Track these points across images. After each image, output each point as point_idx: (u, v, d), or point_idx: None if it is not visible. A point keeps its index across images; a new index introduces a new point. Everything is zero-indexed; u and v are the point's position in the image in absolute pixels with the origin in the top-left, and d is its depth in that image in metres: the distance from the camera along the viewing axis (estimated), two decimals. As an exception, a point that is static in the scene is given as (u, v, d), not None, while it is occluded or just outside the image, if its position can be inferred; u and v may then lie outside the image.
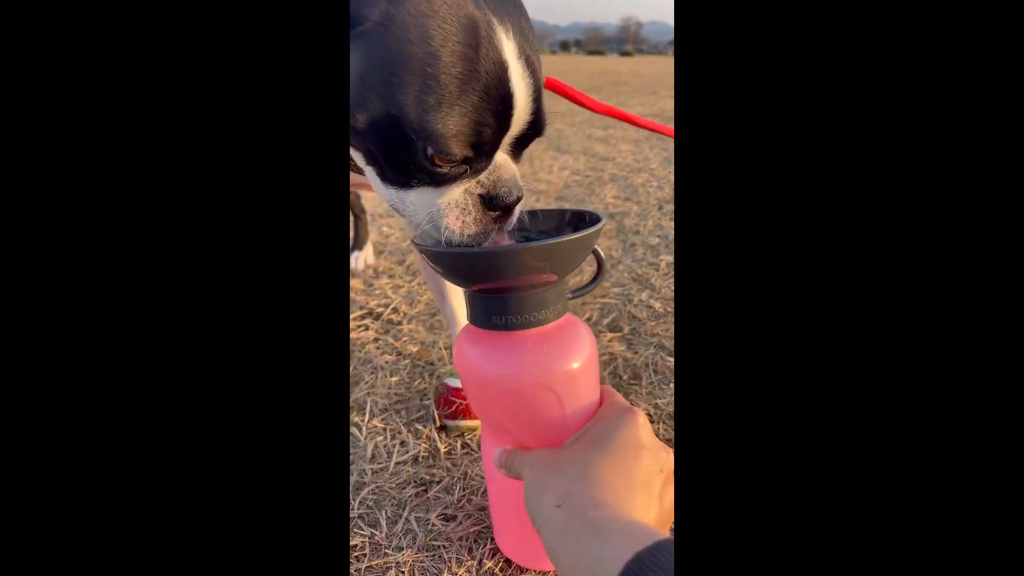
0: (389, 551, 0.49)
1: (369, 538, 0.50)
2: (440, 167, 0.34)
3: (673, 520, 0.37)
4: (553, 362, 0.38)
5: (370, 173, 0.38)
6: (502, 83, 0.33)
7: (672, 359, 0.78)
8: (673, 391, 0.71)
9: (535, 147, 2.35)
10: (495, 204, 0.36)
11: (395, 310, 0.94)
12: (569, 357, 0.38)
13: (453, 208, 0.36)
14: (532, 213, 0.44)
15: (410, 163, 0.34)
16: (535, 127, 0.36)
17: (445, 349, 0.81)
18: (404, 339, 0.84)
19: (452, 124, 0.32)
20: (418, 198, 0.36)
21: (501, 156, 0.37)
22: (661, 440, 0.40)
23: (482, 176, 0.36)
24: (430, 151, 0.33)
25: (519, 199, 0.37)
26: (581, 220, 0.43)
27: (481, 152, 0.35)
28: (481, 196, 0.36)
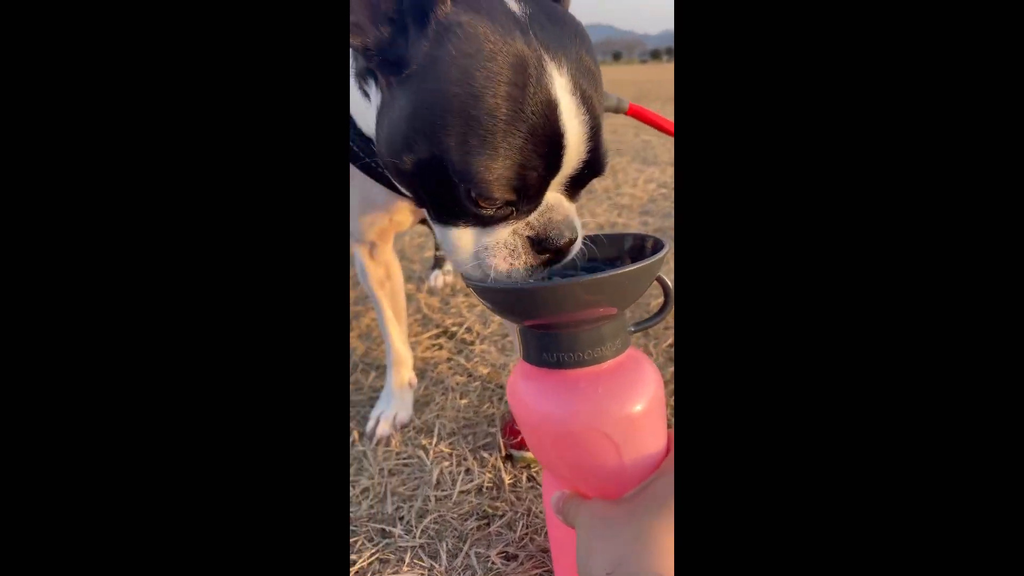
0: (447, 587, 0.47)
1: (428, 570, 0.49)
2: (484, 209, 0.33)
3: None
4: (610, 405, 0.34)
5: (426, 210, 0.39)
6: (551, 123, 0.31)
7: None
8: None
9: (618, 159, 2.28)
10: (545, 247, 0.35)
11: (469, 330, 0.94)
12: (629, 400, 0.34)
13: (501, 249, 0.35)
14: (594, 239, 0.41)
15: (455, 204, 0.34)
16: (592, 167, 0.34)
17: (516, 372, 0.80)
18: (476, 360, 0.84)
19: (495, 167, 0.31)
20: (465, 238, 0.36)
21: (554, 196, 0.35)
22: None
23: (532, 217, 0.35)
24: (473, 193, 0.32)
25: (571, 241, 0.35)
26: (645, 246, 0.39)
27: (527, 194, 0.33)
28: (530, 238, 0.35)
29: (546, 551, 0.50)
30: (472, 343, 0.89)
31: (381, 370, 0.82)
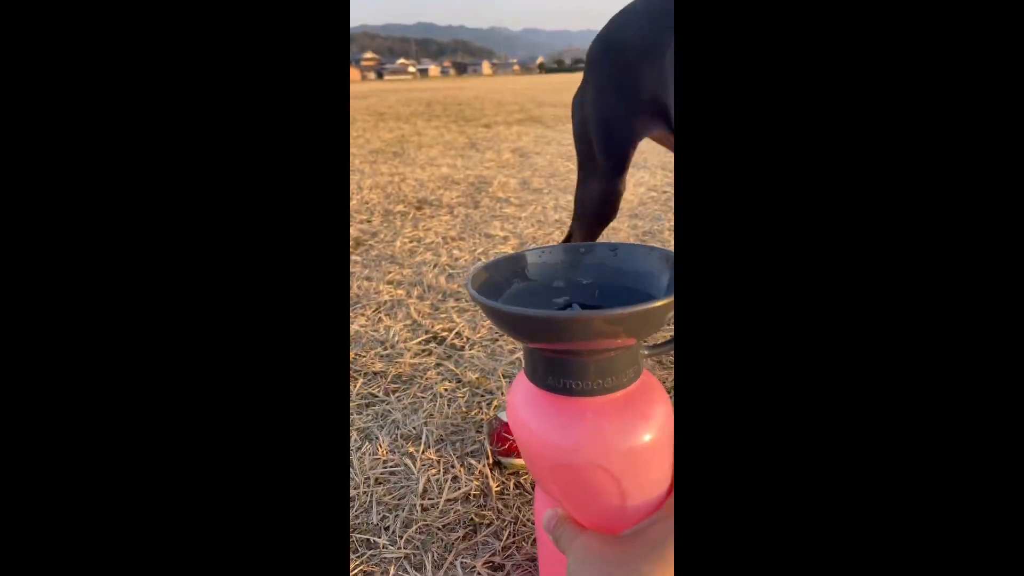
0: (432, 599, 0.46)
1: (413, 581, 0.48)
2: None
3: None
4: (616, 440, 0.32)
5: None
6: None
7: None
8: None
9: (610, 164, 2.29)
10: None
11: (458, 335, 0.93)
12: (637, 432, 0.32)
13: None
14: (612, 247, 0.39)
15: None
16: None
17: (504, 378, 0.79)
18: (465, 365, 0.83)
19: None
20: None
21: None
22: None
23: None
24: None
25: None
26: (664, 263, 0.36)
27: None
28: None
29: (533, 560, 0.49)
30: (462, 348, 0.89)
31: (369, 376, 0.81)
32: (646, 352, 0.36)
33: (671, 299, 0.29)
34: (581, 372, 0.31)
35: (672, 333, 0.40)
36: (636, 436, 0.32)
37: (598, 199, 0.79)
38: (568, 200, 1.77)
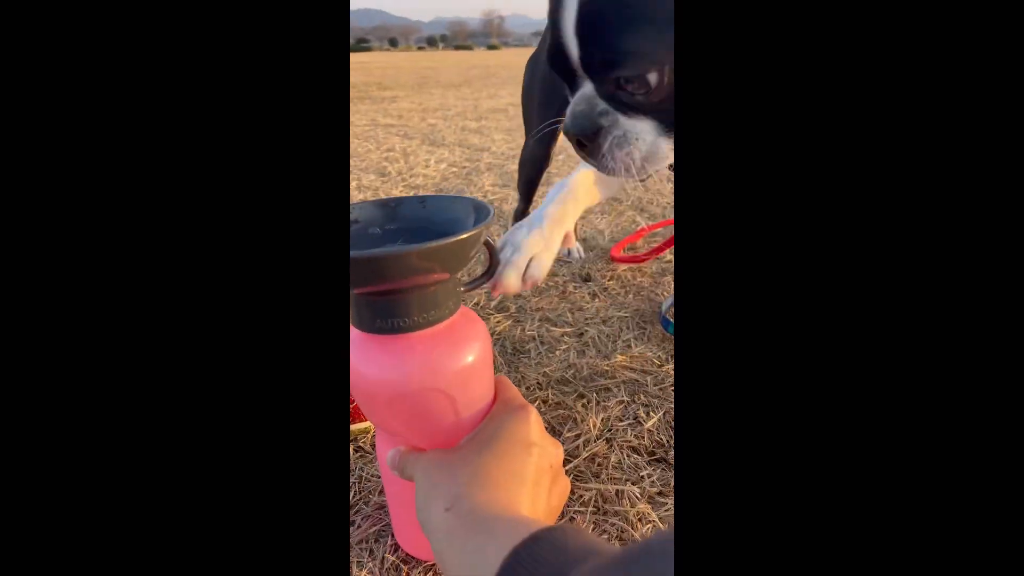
0: (282, 574, 0.46)
1: (258, 566, 0.47)
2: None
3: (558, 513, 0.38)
4: (446, 363, 0.36)
5: None
6: (555, 14, 0.38)
7: (556, 329, 0.82)
8: (559, 356, 0.75)
9: (409, 143, 2.31)
10: (566, 126, 0.40)
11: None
12: (462, 355, 0.37)
13: None
14: (421, 199, 0.42)
15: None
16: (587, 63, 0.38)
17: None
18: (282, 353, 0.79)
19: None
20: None
21: (589, 90, 0.39)
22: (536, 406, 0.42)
23: (573, 99, 0.40)
24: None
25: (571, 132, 0.40)
26: (469, 208, 0.41)
27: (553, 68, 0.41)
28: (567, 116, 0.40)
29: (382, 507, 0.52)
30: (275, 337, 0.83)
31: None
32: (463, 288, 0.41)
33: (474, 232, 0.34)
34: (406, 309, 0.35)
35: (483, 268, 0.46)
36: (462, 358, 0.37)
37: (528, 160, 0.89)
38: (371, 179, 1.74)
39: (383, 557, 0.47)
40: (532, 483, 0.34)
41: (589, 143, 0.37)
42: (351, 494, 0.53)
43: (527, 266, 0.48)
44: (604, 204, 1.44)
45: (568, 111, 0.38)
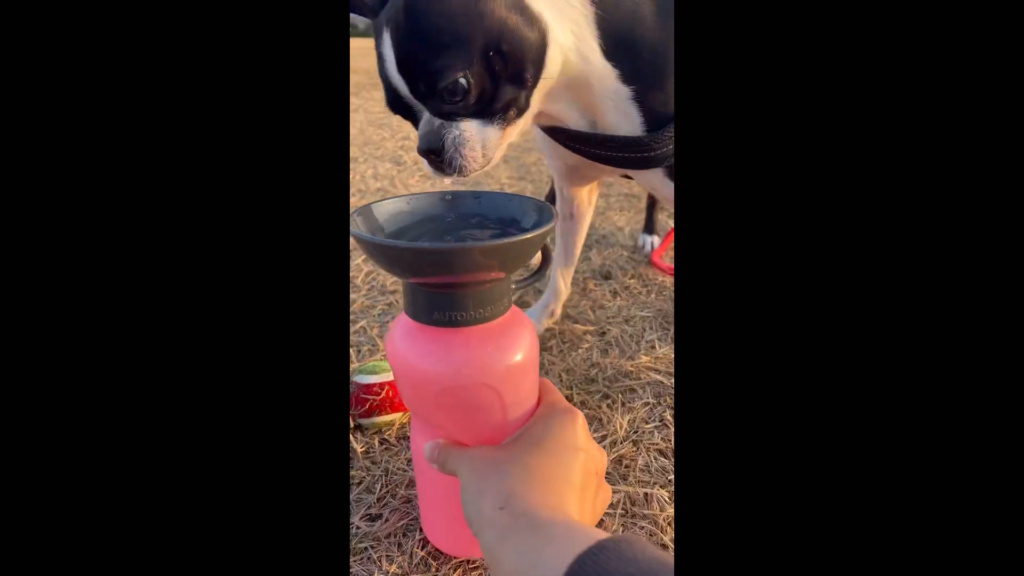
0: (312, 564, 0.46)
1: (288, 556, 0.47)
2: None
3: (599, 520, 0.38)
4: (498, 360, 0.37)
5: None
6: (382, 68, 0.46)
7: (578, 326, 0.82)
8: (582, 354, 0.74)
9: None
10: (419, 151, 0.47)
11: (290, 313, 0.87)
12: (513, 353, 0.37)
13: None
14: (476, 195, 0.43)
15: None
16: (416, 93, 0.45)
17: (352, 347, 0.77)
18: (304, 342, 0.79)
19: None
20: None
21: (428, 116, 0.46)
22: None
23: (419, 130, 0.47)
24: None
25: (424, 151, 0.46)
26: (527, 207, 0.41)
27: (400, 111, 0.48)
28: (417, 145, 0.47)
29: (410, 501, 0.52)
30: (296, 325, 0.83)
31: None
32: (513, 286, 0.41)
33: (539, 232, 0.34)
34: (464, 304, 0.35)
35: (534, 266, 0.46)
36: (512, 356, 0.37)
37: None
38: (387, 168, 1.73)
39: (412, 551, 0.47)
40: (580, 487, 0.33)
41: (438, 155, 0.46)
42: (378, 487, 0.54)
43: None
44: (621, 199, 1.43)
45: (419, 138, 0.47)
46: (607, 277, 0.99)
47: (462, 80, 0.43)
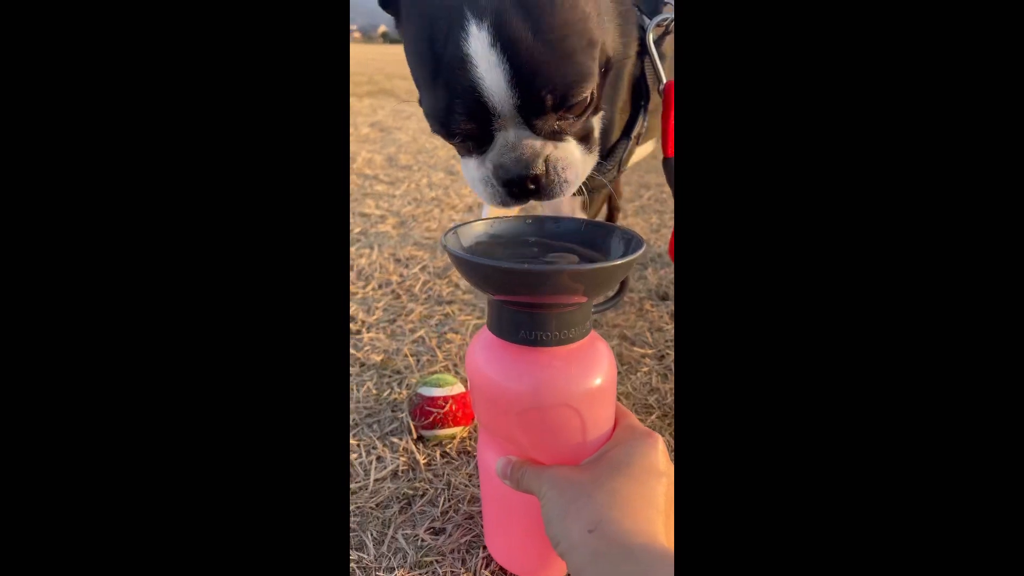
0: (380, 573, 0.47)
1: (357, 562, 0.48)
2: (451, 141, 0.41)
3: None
4: (580, 382, 0.37)
5: None
6: (462, 76, 0.36)
7: (636, 349, 0.81)
8: (640, 378, 0.73)
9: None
10: (505, 181, 0.40)
11: (352, 319, 0.90)
12: (594, 376, 0.38)
13: (475, 180, 0.41)
14: (554, 220, 0.43)
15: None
16: (530, 107, 0.37)
17: (411, 356, 0.79)
18: (366, 348, 0.81)
19: (429, 108, 0.39)
20: (462, 167, 0.43)
21: (516, 134, 0.39)
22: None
23: (491, 154, 0.39)
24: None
25: (521, 177, 0.39)
26: (601, 234, 0.41)
27: (465, 134, 0.39)
28: (494, 172, 0.40)
29: (472, 517, 0.53)
30: (359, 332, 0.86)
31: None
32: (592, 310, 0.41)
33: (627, 260, 0.34)
34: (548, 324, 0.36)
35: (610, 293, 0.46)
36: (593, 378, 0.38)
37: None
38: (440, 178, 1.77)
39: (476, 569, 0.48)
40: (665, 513, 0.33)
41: (535, 181, 0.39)
42: (441, 500, 0.55)
43: None
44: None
45: (492, 167, 0.39)
46: (663, 298, 0.98)
47: (589, 92, 0.36)
